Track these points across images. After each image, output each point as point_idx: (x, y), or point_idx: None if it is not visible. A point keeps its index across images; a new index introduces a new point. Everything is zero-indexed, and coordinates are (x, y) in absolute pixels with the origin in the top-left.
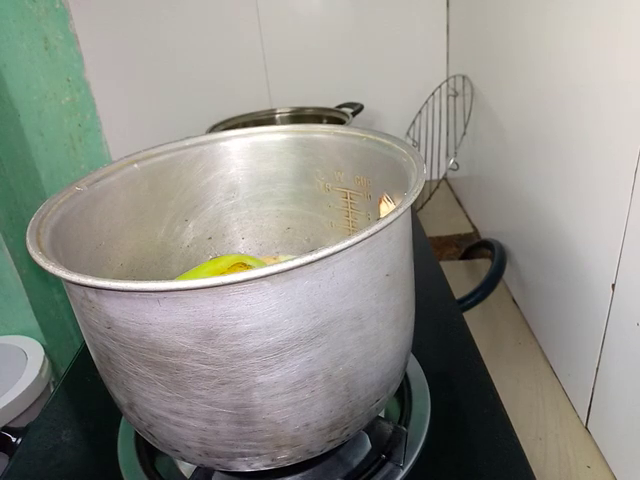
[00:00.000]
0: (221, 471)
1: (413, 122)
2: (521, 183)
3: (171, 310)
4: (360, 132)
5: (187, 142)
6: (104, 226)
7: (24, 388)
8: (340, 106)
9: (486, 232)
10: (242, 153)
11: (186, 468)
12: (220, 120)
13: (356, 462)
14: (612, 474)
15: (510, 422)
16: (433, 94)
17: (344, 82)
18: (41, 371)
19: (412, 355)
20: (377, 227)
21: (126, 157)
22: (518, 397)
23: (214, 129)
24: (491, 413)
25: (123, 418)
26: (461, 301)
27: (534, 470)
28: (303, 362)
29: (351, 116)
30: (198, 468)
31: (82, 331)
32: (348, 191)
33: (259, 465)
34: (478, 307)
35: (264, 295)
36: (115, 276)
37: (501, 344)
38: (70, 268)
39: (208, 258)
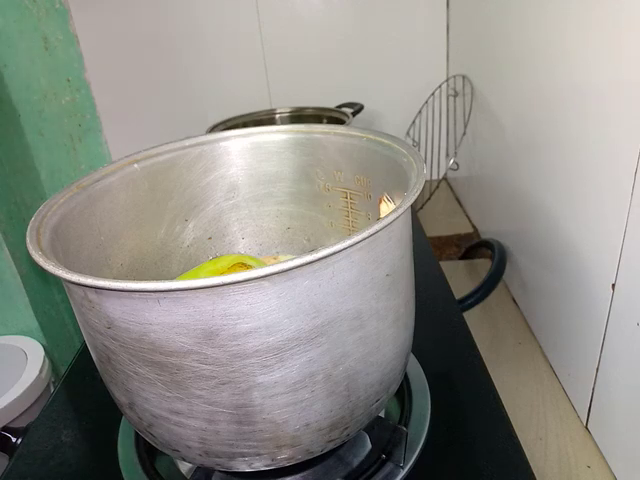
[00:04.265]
0: (221, 471)
1: (413, 122)
2: (521, 183)
3: (171, 310)
4: (360, 132)
5: (187, 142)
6: (104, 226)
7: (24, 388)
8: (340, 106)
9: (486, 232)
10: (242, 153)
11: (186, 468)
12: (220, 120)
13: (356, 462)
14: (612, 474)
15: (510, 422)
16: (433, 94)
17: (344, 82)
18: (41, 371)
19: (412, 355)
20: (377, 227)
21: (126, 157)
22: (518, 397)
23: (214, 129)
24: (491, 413)
25: (123, 418)
26: (461, 301)
27: (534, 470)
28: (303, 362)
29: (351, 116)
30: (198, 468)
31: (82, 331)
32: (348, 191)
33: (259, 465)
34: (478, 307)
35: (264, 295)
36: (115, 276)
37: (501, 344)
38: (70, 268)
39: (208, 258)
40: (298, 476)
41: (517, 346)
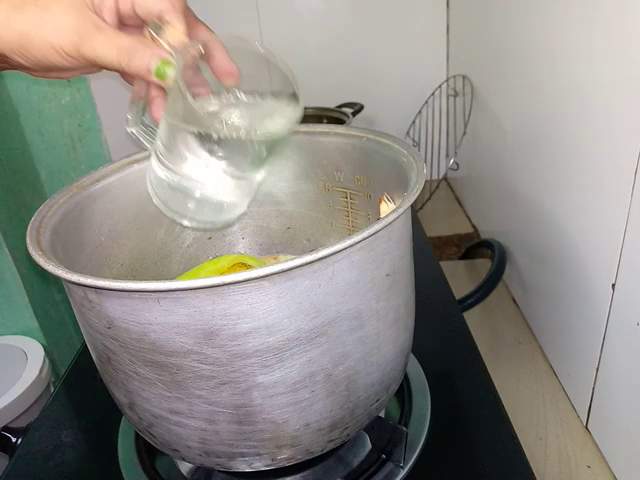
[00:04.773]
0: (221, 471)
1: (413, 122)
2: (521, 183)
3: (171, 310)
4: (360, 132)
5: None
6: (104, 226)
7: (24, 388)
8: (340, 106)
9: (486, 232)
10: None
11: (186, 468)
12: None
13: (356, 462)
14: (612, 474)
15: (510, 422)
16: (433, 94)
17: (344, 82)
18: (41, 371)
19: (412, 355)
20: (377, 227)
21: (126, 157)
22: (518, 397)
23: None
24: (491, 413)
25: (123, 418)
26: (461, 301)
27: (534, 470)
28: (303, 362)
29: (351, 116)
30: (198, 468)
31: (82, 331)
32: (348, 191)
33: (259, 465)
34: (478, 307)
35: (264, 295)
36: (115, 276)
37: (501, 344)
38: (70, 268)
39: (208, 258)
40: (298, 476)
41: (517, 346)
